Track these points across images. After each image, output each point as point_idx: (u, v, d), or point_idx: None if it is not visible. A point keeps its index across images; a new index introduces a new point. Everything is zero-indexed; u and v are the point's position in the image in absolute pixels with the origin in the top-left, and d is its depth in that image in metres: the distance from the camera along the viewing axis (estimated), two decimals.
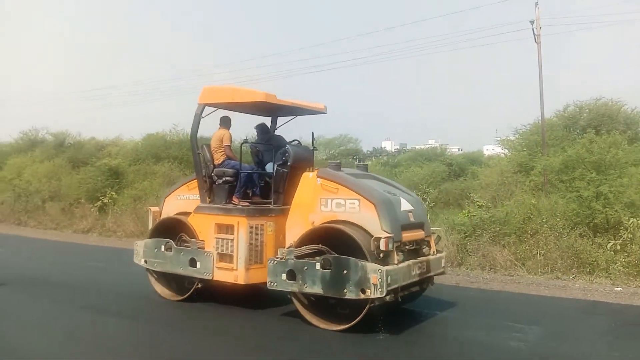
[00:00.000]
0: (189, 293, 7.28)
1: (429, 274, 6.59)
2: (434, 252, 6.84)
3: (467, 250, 10.58)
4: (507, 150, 17.27)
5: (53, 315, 6.92)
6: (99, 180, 18.55)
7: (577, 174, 11.23)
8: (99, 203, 17.71)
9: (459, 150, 39.83)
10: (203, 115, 7.37)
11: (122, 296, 7.93)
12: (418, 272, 6.27)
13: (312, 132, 8.14)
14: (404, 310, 6.99)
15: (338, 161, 6.87)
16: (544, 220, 10.27)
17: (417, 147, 40.79)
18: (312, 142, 7.93)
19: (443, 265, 6.96)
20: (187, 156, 20.09)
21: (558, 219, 10.25)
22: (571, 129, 15.85)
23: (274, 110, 7.92)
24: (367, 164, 8.11)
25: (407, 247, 6.29)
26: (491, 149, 31.51)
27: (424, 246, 6.68)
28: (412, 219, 6.46)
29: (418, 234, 6.57)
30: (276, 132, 8.33)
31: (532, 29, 15.29)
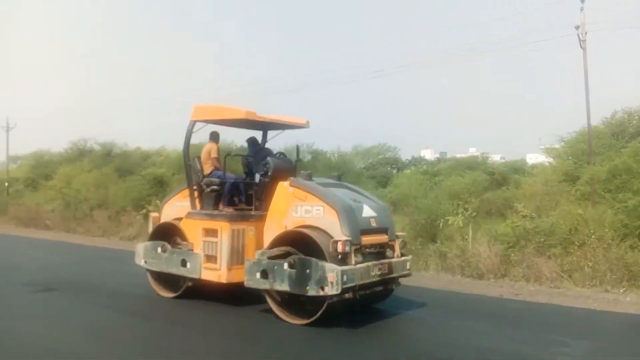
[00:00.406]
0: (181, 291, 7.99)
1: (392, 275, 7.08)
2: (398, 255, 7.34)
3: (510, 262, 10.34)
4: (551, 159, 16.80)
5: (98, 320, 7.13)
6: (144, 189, 19.10)
7: (622, 182, 10.83)
8: (144, 211, 18.19)
9: (501, 158, 38.96)
10: (194, 130, 8.17)
11: (169, 303, 8.10)
12: (378, 273, 6.81)
13: (297, 146, 9.70)
14: (447, 324, 6.89)
15: (309, 172, 7.52)
16: (591, 231, 9.93)
17: (458, 155, 40.08)
18: (297, 154, 9.05)
19: (408, 267, 7.41)
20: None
21: (606, 230, 9.90)
22: (619, 137, 15.30)
23: (257, 125, 8.62)
24: (340, 174, 8.83)
25: (368, 249, 6.86)
26: (535, 158, 30.69)
27: (388, 250, 7.20)
28: (373, 225, 7.02)
29: (380, 238, 7.12)
30: (267, 145, 9.05)
31: (578, 35, 14.88)
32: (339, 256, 6.36)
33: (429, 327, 6.86)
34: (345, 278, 6.18)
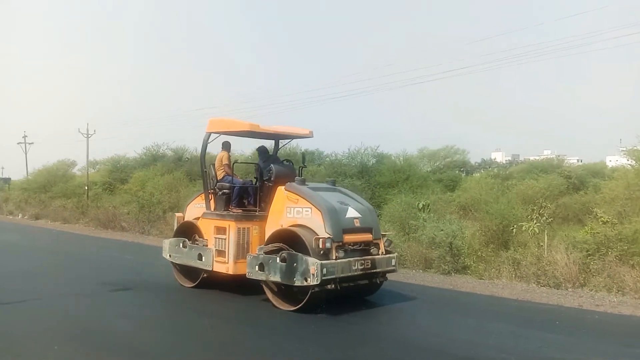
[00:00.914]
0: (198, 281, 9.09)
1: (375, 270, 7.83)
2: (382, 252, 8.08)
3: (590, 270, 9.72)
4: (634, 162, 15.68)
5: (173, 317, 7.38)
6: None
7: None
8: None
9: (578, 161, 36.93)
10: (209, 140, 9.20)
11: (237, 302, 8.28)
12: (360, 267, 7.59)
13: (303, 153, 10.63)
14: (524, 336, 6.55)
15: (303, 178, 8.45)
16: None
17: (531, 158, 38.43)
18: (303, 161, 10.22)
19: (394, 264, 8.20)
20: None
21: None
22: None
23: (264, 135, 9.62)
24: (334, 180, 10.05)
25: (351, 247, 7.70)
26: (615, 160, 28.84)
27: (372, 247, 7.96)
28: (357, 224, 7.85)
29: (364, 237, 7.92)
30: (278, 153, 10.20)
31: None
32: (321, 252, 7.21)
33: (505, 339, 6.53)
34: (325, 271, 7.04)
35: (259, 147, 9.93)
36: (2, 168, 78.00)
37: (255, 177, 9.55)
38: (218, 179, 9.21)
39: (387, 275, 8.34)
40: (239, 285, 8.64)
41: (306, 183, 8.36)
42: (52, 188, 31.99)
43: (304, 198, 7.87)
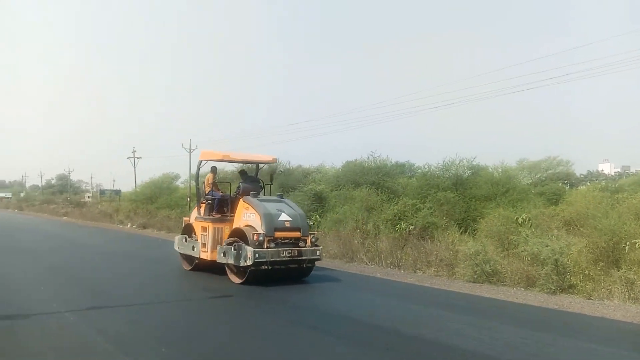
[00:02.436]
0: (193, 265, 12.40)
1: (302, 258, 10.74)
2: (309, 245, 10.90)
3: None
4: None
5: (269, 325, 7.50)
6: (305, 205, 19.99)
7: None
8: None
9: None
10: (201, 165, 12.86)
11: (340, 318, 8.26)
12: (288, 255, 10.50)
13: (271, 175, 14.30)
14: None
15: (255, 192, 11.54)
16: None
17: None
18: (271, 179, 13.66)
19: (318, 254, 11.06)
20: (383, 181, 20.60)
21: None
22: None
23: (236, 162, 13.84)
24: (282, 194, 13.07)
25: (282, 240, 10.56)
26: None
27: (300, 242, 10.85)
28: (287, 225, 10.70)
29: (293, 234, 10.79)
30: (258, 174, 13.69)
31: None
32: (257, 243, 10.16)
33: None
34: (257, 256, 9.98)
35: (240, 170, 13.92)
36: (114, 180, 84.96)
37: (235, 192, 12.33)
38: (206, 192, 12.52)
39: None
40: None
41: (257, 196, 11.41)
42: (157, 199, 34.22)
43: (251, 206, 10.94)
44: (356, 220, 17.22)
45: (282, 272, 10.76)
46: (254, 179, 12.87)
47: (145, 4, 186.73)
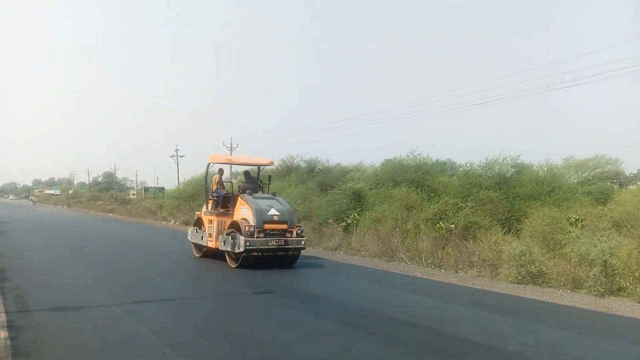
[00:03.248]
0: (202, 253, 14.60)
1: (288, 247, 12.64)
2: (294, 236, 12.72)
3: None
4: None
5: (311, 321, 7.56)
6: (344, 203, 19.95)
7: None
8: (344, 224, 19.00)
9: None
10: (209, 167, 15.11)
11: (380, 317, 8.23)
12: (276, 244, 12.36)
13: (269, 175, 15.41)
14: None
15: (250, 190, 13.49)
16: None
17: None
18: (269, 180, 15.18)
19: (302, 244, 12.94)
20: (423, 180, 20.34)
21: None
22: None
23: (236, 164, 16.21)
24: (275, 193, 14.57)
25: (271, 232, 12.42)
26: None
27: (287, 233, 12.67)
28: (275, 218, 12.54)
29: (281, 226, 12.62)
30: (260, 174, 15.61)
31: None
32: (248, 233, 12.06)
33: None
34: (248, 244, 11.91)
35: (244, 171, 16.12)
36: (157, 178, 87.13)
37: (238, 190, 14.49)
38: (212, 190, 14.61)
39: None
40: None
41: (253, 194, 13.29)
42: (199, 197, 34.86)
43: (246, 202, 12.88)
44: (396, 219, 17.08)
45: (272, 258, 12.71)
46: (254, 180, 14.96)
47: (189, 2, 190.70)
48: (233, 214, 13.39)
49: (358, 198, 20.24)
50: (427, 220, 16.30)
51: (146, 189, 72.89)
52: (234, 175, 34.96)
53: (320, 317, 8.01)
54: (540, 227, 13.38)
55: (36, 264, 12.95)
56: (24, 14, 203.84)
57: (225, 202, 14.07)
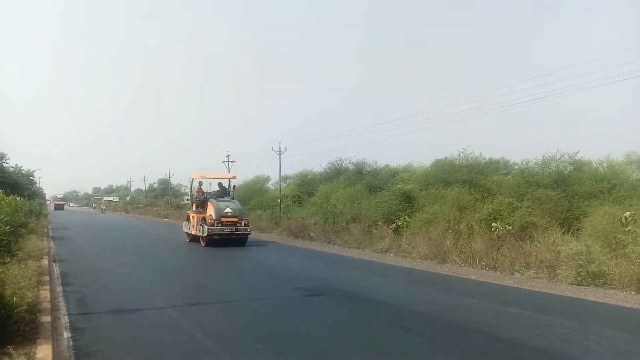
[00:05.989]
0: (190, 238, 21.49)
1: (238, 232, 19.61)
2: (242, 225, 19.79)
3: None
4: None
5: (363, 325, 7.51)
6: (393, 204, 19.72)
7: None
8: (394, 225, 18.78)
9: None
10: (192, 181, 23.57)
11: (435, 320, 8.11)
12: (229, 231, 19.37)
13: (234, 186, 24.94)
14: None
15: (215, 196, 21.15)
16: None
17: None
18: (234, 188, 24.14)
19: (248, 231, 20.13)
20: (475, 179, 19.85)
21: None
22: None
23: (209, 178, 23.06)
24: (233, 197, 22.17)
25: (226, 222, 19.38)
26: None
27: (238, 223, 19.64)
28: (229, 213, 19.59)
29: (233, 219, 19.59)
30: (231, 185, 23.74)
31: None
32: (211, 224, 19.16)
33: None
34: (210, 230, 19.06)
35: (218, 182, 22.48)
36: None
37: (213, 197, 20.90)
38: (195, 197, 21.97)
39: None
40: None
41: (217, 199, 20.31)
42: (250, 201, 35.48)
43: (211, 204, 19.78)
44: (447, 220, 16.74)
45: (228, 240, 19.41)
46: (225, 188, 22.16)
47: (232, 5, 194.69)
48: (206, 211, 20.23)
49: (408, 199, 19.97)
50: (480, 221, 15.88)
51: None
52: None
53: (374, 320, 7.95)
54: (601, 226, 12.77)
55: (96, 268, 13.49)
56: (99, 24, 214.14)
57: (202, 204, 21.21)
